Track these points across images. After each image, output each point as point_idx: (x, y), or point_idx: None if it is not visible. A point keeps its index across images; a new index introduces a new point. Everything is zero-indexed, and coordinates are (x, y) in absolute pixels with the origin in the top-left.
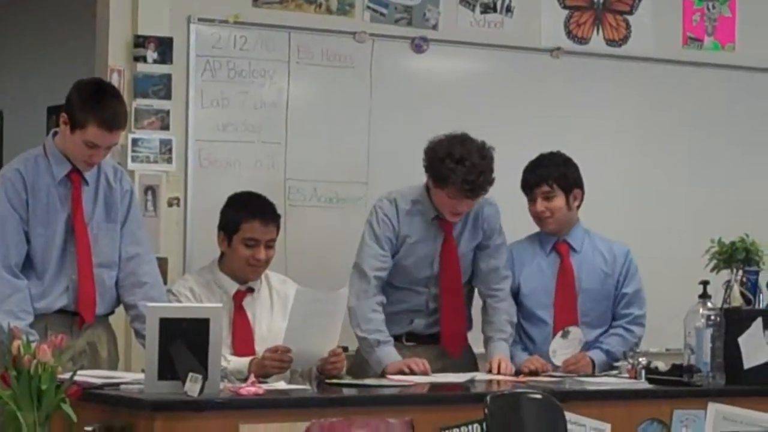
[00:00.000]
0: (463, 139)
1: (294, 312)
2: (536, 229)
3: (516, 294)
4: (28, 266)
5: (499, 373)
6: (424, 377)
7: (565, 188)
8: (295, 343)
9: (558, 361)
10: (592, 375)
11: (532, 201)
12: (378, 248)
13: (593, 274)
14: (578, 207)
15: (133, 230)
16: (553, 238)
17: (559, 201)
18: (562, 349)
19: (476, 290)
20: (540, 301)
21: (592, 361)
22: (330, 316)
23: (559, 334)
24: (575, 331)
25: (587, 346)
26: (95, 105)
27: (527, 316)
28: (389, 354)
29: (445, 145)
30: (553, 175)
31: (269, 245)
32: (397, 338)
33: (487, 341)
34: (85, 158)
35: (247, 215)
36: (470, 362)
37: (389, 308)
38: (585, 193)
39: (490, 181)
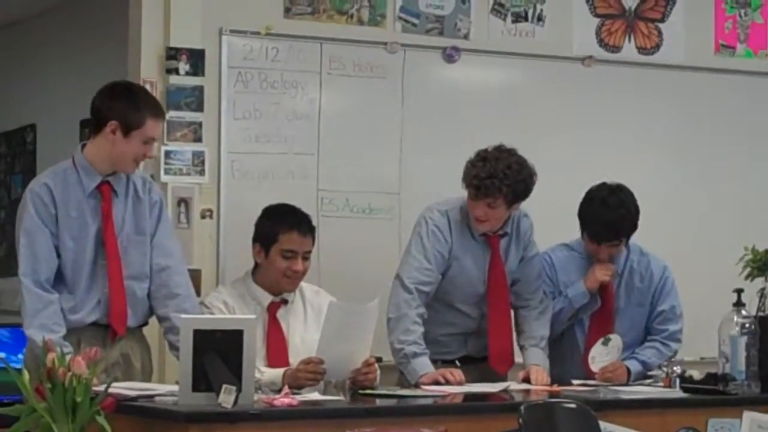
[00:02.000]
0: (502, 147)
1: (327, 325)
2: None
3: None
4: (59, 280)
5: (537, 383)
6: (458, 387)
7: (630, 237)
8: (328, 354)
9: (596, 368)
10: (627, 384)
11: (595, 245)
12: (424, 261)
13: (630, 295)
14: None
15: (164, 241)
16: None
17: (623, 248)
18: (601, 356)
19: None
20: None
21: (628, 370)
22: (362, 328)
23: (600, 341)
24: (615, 339)
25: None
26: (144, 101)
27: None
28: (424, 365)
29: (486, 150)
30: (627, 231)
31: (306, 257)
32: (450, 363)
33: (522, 350)
34: (139, 158)
35: (286, 227)
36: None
37: (443, 330)
38: None
39: (505, 190)
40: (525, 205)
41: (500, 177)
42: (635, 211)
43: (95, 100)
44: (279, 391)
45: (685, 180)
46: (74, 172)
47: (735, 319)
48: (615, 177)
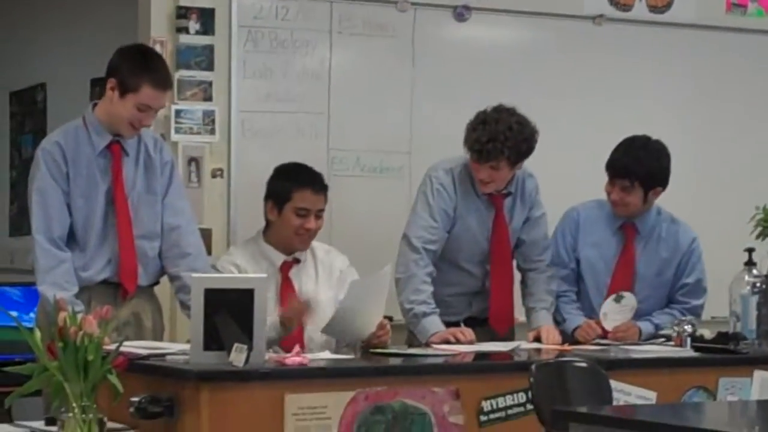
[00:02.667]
0: (501, 108)
1: (347, 299)
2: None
3: (577, 261)
4: (70, 238)
5: (548, 342)
6: (468, 346)
7: (646, 187)
8: (344, 323)
9: (609, 326)
10: (637, 343)
11: (609, 184)
12: (430, 220)
13: (653, 261)
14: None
15: (175, 201)
16: (622, 218)
17: (635, 197)
18: (613, 313)
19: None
20: (596, 279)
21: (640, 331)
22: (376, 295)
23: (612, 297)
24: (629, 297)
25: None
26: (147, 67)
27: (580, 284)
28: (434, 323)
29: (481, 111)
30: (638, 174)
31: (319, 215)
32: (454, 324)
33: (529, 312)
34: (135, 122)
35: (299, 184)
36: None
37: (448, 290)
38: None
39: (505, 153)
40: (533, 166)
41: (501, 139)
42: (657, 164)
43: (111, 57)
44: (286, 347)
45: (695, 139)
46: (84, 131)
47: (746, 278)
48: (625, 135)
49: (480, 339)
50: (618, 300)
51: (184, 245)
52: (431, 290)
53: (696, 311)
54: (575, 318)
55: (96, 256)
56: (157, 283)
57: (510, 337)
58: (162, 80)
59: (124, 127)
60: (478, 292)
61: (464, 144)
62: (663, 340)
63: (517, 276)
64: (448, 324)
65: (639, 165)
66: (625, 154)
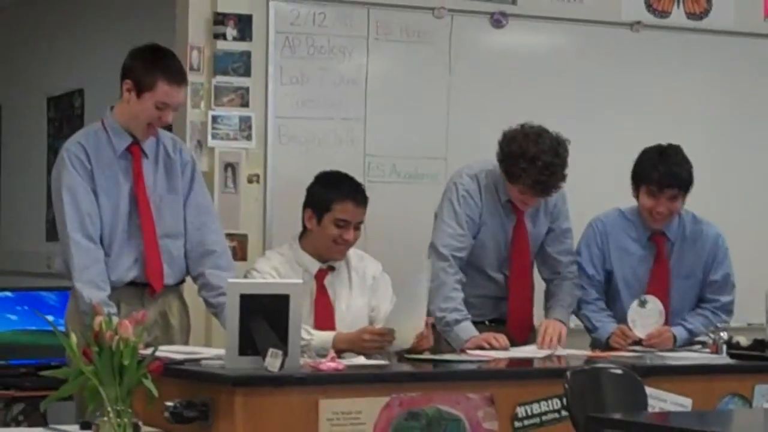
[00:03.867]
0: (537, 135)
1: (401, 300)
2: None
3: (608, 273)
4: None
5: (545, 333)
6: (503, 352)
7: (686, 193)
8: (397, 325)
9: (640, 333)
10: (672, 350)
11: (652, 198)
12: (457, 227)
13: (683, 266)
14: None
15: (199, 201)
16: (651, 228)
17: (681, 203)
18: (641, 319)
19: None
20: (631, 291)
21: (674, 337)
22: (417, 301)
23: (636, 302)
24: (653, 301)
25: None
26: (160, 64)
27: (615, 297)
28: (467, 330)
29: (519, 141)
30: (686, 180)
31: (357, 227)
32: (479, 323)
33: (547, 312)
34: (154, 120)
35: (341, 195)
36: (533, 338)
37: (474, 292)
38: None
39: (563, 178)
40: (573, 172)
41: (558, 171)
42: (690, 167)
43: (124, 60)
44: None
45: (733, 146)
46: (104, 133)
47: None
48: (662, 142)
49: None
50: (643, 305)
51: (208, 243)
52: (462, 297)
53: (727, 308)
54: (607, 325)
55: (122, 255)
56: (182, 281)
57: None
58: (177, 75)
59: (141, 129)
60: (504, 297)
61: (516, 181)
62: (699, 346)
63: (540, 286)
64: (474, 324)
65: (684, 172)
66: (666, 164)
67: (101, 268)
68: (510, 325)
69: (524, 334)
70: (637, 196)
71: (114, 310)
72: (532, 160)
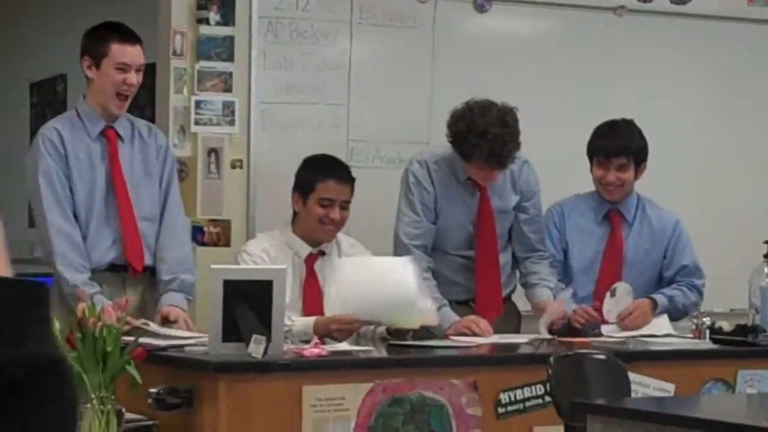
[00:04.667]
0: (483, 109)
1: (345, 283)
2: (582, 190)
3: (564, 253)
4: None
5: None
6: (486, 338)
7: (638, 161)
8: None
9: (613, 319)
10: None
11: (602, 168)
12: (413, 214)
13: (639, 245)
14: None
15: (171, 189)
16: (607, 206)
17: (631, 174)
18: (615, 306)
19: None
20: (583, 266)
21: (654, 302)
22: (394, 283)
23: (608, 294)
24: (621, 286)
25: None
26: (108, 30)
27: (570, 277)
28: (447, 317)
29: (466, 118)
30: (632, 148)
31: (343, 206)
32: (464, 302)
33: (531, 288)
34: (120, 84)
35: (323, 175)
36: (516, 321)
37: (447, 268)
38: (649, 154)
39: (516, 147)
40: (554, 159)
41: (510, 141)
42: (642, 140)
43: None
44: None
45: (716, 131)
46: (78, 120)
47: (765, 270)
48: (645, 127)
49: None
50: (613, 294)
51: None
52: (433, 284)
53: (700, 289)
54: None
55: (99, 238)
56: None
57: (511, 318)
58: (127, 35)
59: (112, 101)
60: (472, 277)
61: (470, 158)
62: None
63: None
64: (458, 304)
65: (631, 141)
66: (613, 135)
67: (81, 251)
68: (478, 302)
69: (492, 312)
70: (592, 168)
71: (98, 289)
72: (481, 135)
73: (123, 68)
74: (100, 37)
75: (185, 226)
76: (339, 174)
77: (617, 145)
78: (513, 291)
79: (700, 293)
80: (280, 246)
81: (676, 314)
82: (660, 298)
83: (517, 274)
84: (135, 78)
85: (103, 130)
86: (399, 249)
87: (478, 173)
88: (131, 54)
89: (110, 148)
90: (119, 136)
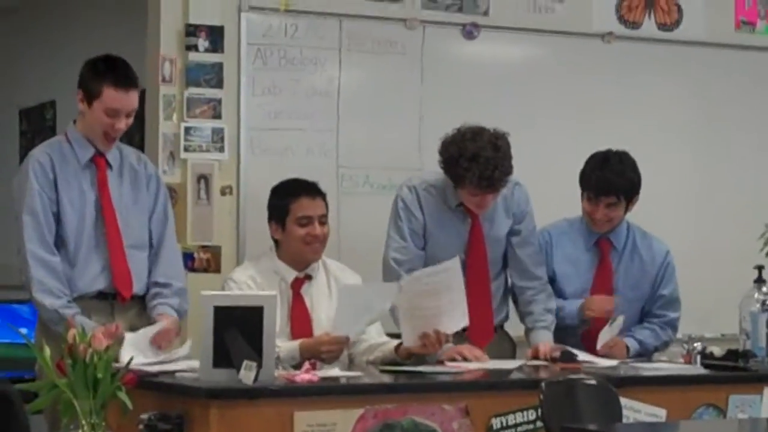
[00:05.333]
0: (473, 134)
1: (341, 308)
2: (571, 215)
3: (551, 280)
4: (61, 247)
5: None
6: (475, 363)
7: (629, 198)
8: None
9: (599, 345)
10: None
11: (591, 204)
12: (400, 240)
13: (629, 276)
14: None
15: (160, 218)
16: (597, 234)
17: (621, 211)
18: (604, 334)
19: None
20: (572, 292)
21: (627, 348)
22: (379, 308)
23: (609, 323)
24: (619, 319)
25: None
26: (105, 70)
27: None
28: None
29: (457, 143)
30: (624, 188)
31: (322, 221)
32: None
33: (528, 332)
34: (108, 128)
35: (293, 195)
36: (510, 349)
37: None
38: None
39: (508, 171)
40: (542, 185)
41: (501, 165)
42: (635, 175)
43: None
44: (299, 365)
45: (705, 157)
46: (68, 145)
47: (756, 295)
48: (634, 152)
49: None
50: (611, 323)
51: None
52: None
53: (673, 324)
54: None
55: (88, 265)
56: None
57: (504, 345)
58: (122, 79)
59: (99, 139)
60: None
61: (461, 183)
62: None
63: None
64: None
65: (623, 180)
66: (605, 171)
67: (59, 277)
68: (470, 330)
69: (485, 341)
70: (582, 198)
71: (77, 310)
72: (472, 158)
73: (113, 115)
74: (96, 76)
75: (180, 257)
76: (309, 191)
77: (607, 184)
78: (506, 319)
79: (674, 328)
80: (267, 272)
81: (645, 354)
82: (630, 343)
83: (509, 302)
84: (123, 123)
85: (92, 157)
86: (387, 273)
87: (471, 199)
88: (123, 101)
89: (99, 175)
90: (108, 164)
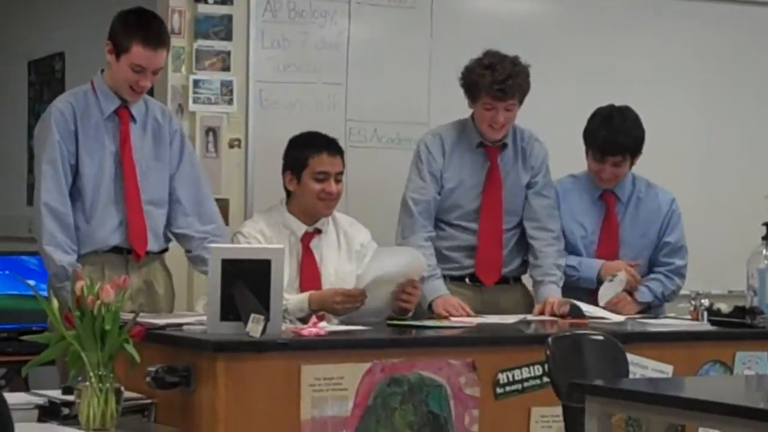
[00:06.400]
0: (494, 52)
1: (370, 284)
2: (578, 170)
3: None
4: (79, 202)
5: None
6: (484, 317)
7: (634, 156)
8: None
9: (602, 303)
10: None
11: (598, 163)
12: (419, 181)
13: (636, 225)
14: None
15: (191, 174)
16: (601, 188)
17: (626, 167)
18: (605, 290)
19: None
20: (580, 246)
21: (636, 300)
22: (398, 269)
23: (607, 279)
24: (621, 275)
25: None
26: (137, 26)
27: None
28: (435, 289)
29: (478, 58)
30: (630, 146)
31: (338, 178)
32: (460, 278)
33: (536, 285)
34: (133, 84)
35: (314, 150)
36: (527, 303)
37: (447, 243)
38: (647, 138)
39: (523, 86)
40: (553, 139)
41: (515, 76)
42: (639, 131)
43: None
44: (308, 317)
45: (710, 114)
46: (93, 95)
47: (764, 252)
48: (641, 108)
49: (488, 300)
50: (611, 280)
51: (208, 214)
52: (430, 252)
53: (680, 271)
54: (589, 262)
55: (105, 219)
56: (166, 249)
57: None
58: (152, 38)
59: (125, 91)
60: (475, 246)
61: (476, 90)
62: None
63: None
64: (452, 279)
65: (629, 138)
66: (610, 130)
67: (70, 233)
68: (478, 268)
69: (493, 278)
70: (587, 156)
71: (79, 267)
72: (488, 66)
73: (139, 71)
74: (126, 30)
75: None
76: (329, 147)
77: (613, 143)
78: (522, 272)
79: (681, 276)
80: (276, 225)
81: (657, 303)
82: (641, 292)
83: (525, 257)
84: (149, 80)
85: (116, 109)
86: (404, 210)
87: (486, 116)
88: (150, 59)
89: (122, 128)
90: (132, 117)
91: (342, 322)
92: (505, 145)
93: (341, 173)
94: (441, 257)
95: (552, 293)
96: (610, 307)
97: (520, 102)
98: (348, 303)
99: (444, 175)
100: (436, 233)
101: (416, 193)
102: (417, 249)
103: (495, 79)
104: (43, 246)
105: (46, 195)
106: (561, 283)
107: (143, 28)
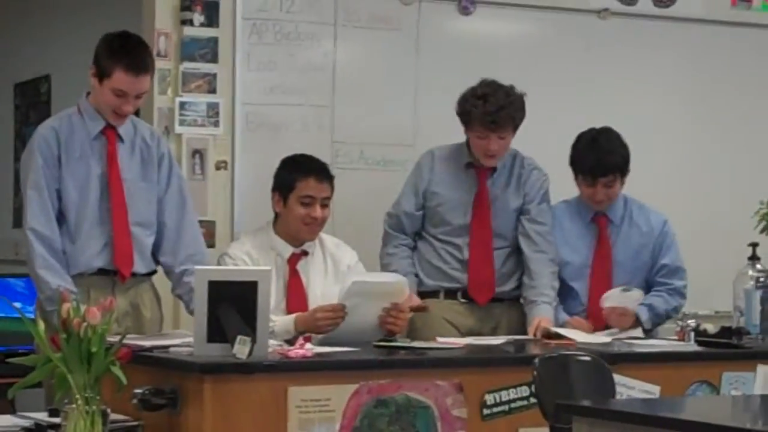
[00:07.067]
0: (489, 81)
1: (348, 296)
2: (566, 188)
3: None
4: (64, 225)
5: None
6: (470, 339)
7: (623, 174)
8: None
9: (604, 303)
10: (645, 331)
11: (591, 186)
12: (402, 196)
13: (629, 247)
14: None
15: (176, 199)
16: (593, 210)
17: (618, 186)
18: (613, 298)
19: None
20: (574, 271)
21: (638, 318)
22: (390, 300)
23: (621, 287)
24: (637, 292)
25: None
26: (120, 51)
27: (563, 286)
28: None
29: (471, 87)
30: (619, 165)
31: (324, 203)
32: (452, 294)
33: (530, 305)
34: (116, 108)
35: (302, 173)
36: (522, 321)
37: (439, 259)
38: (635, 156)
39: (516, 117)
40: (539, 159)
41: (508, 107)
42: (625, 149)
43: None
44: (294, 340)
45: (701, 133)
46: (79, 117)
47: (750, 272)
48: (629, 129)
49: (482, 317)
50: (625, 290)
51: (188, 244)
52: (402, 256)
53: (680, 291)
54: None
55: (90, 240)
56: (154, 272)
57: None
58: (134, 64)
59: (109, 114)
60: (464, 261)
61: (469, 120)
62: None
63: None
64: (447, 293)
65: (617, 157)
66: (597, 152)
67: (60, 257)
68: (471, 287)
69: (484, 297)
70: (577, 181)
71: (75, 289)
72: (481, 97)
73: (121, 95)
74: (109, 55)
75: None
76: (318, 172)
77: (602, 164)
78: (517, 291)
79: (682, 295)
80: (263, 247)
81: (658, 321)
82: (641, 310)
83: (520, 277)
84: (131, 105)
85: (103, 129)
86: (385, 226)
87: (478, 144)
88: (132, 84)
89: (109, 148)
90: (120, 138)
91: (327, 343)
92: (494, 169)
93: (328, 198)
94: (432, 270)
95: (544, 313)
96: (615, 317)
97: (514, 130)
98: (329, 318)
99: (430, 191)
100: (427, 247)
101: (392, 208)
102: (387, 257)
103: (487, 111)
104: (36, 270)
105: (33, 220)
106: (554, 304)
107: (126, 53)
